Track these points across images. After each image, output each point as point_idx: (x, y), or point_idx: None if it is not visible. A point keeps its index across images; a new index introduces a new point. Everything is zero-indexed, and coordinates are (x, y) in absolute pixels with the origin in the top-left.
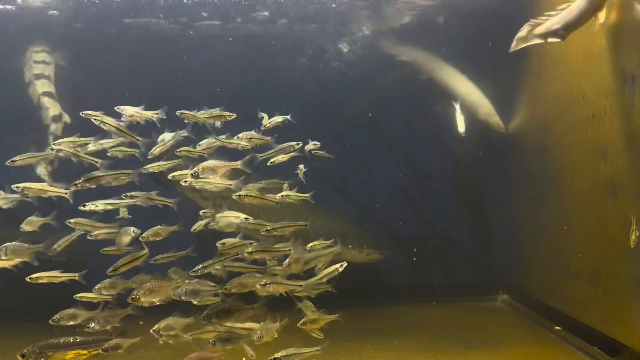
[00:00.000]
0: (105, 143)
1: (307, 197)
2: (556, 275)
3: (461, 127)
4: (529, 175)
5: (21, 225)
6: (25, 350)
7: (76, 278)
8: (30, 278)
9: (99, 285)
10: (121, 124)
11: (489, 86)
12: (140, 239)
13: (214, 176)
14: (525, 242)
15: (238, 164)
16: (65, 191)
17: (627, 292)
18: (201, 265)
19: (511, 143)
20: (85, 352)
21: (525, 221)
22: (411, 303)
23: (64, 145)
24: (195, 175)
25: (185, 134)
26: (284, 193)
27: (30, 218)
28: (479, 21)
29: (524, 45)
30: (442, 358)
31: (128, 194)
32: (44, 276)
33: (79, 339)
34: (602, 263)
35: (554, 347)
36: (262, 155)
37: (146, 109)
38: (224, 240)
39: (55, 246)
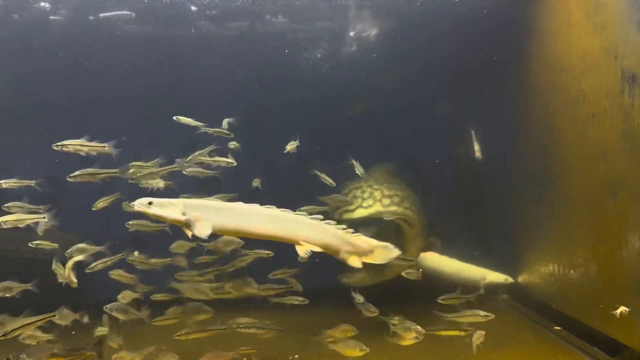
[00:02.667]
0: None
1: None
2: (556, 275)
3: (478, 153)
4: (530, 175)
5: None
6: (10, 356)
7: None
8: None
9: None
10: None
11: None
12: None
13: None
14: (525, 242)
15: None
16: (43, 216)
17: (627, 292)
18: None
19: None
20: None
21: (525, 221)
22: (410, 303)
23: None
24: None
25: None
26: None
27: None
28: None
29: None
30: (442, 358)
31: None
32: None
33: (54, 349)
34: (602, 263)
35: (554, 347)
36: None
37: None
38: None
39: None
